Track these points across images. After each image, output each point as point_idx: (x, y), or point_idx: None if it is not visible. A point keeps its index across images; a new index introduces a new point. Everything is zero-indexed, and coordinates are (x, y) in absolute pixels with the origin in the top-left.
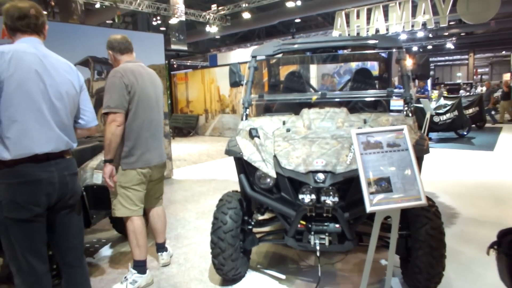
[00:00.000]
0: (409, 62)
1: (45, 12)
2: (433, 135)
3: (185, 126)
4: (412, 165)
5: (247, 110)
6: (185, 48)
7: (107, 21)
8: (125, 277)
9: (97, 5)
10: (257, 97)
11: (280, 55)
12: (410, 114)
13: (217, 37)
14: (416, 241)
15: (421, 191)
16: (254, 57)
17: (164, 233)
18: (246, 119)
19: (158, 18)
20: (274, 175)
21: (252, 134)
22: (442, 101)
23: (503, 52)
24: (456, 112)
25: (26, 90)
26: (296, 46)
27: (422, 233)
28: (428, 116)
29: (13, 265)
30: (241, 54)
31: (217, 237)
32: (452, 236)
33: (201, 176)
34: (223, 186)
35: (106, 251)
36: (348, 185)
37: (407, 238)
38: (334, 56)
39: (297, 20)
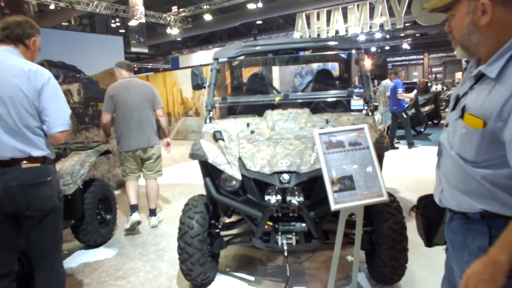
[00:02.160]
0: (367, 63)
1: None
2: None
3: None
4: (373, 163)
5: (211, 112)
6: (145, 50)
7: (63, 23)
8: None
9: (52, 6)
10: (220, 99)
11: (242, 57)
12: (370, 113)
13: (179, 39)
14: (380, 236)
15: (383, 188)
16: (216, 59)
17: (154, 201)
18: (210, 121)
19: (117, 20)
20: (240, 177)
21: (216, 137)
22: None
23: (455, 52)
24: (413, 110)
25: None
26: (257, 48)
27: (385, 228)
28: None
29: None
30: (203, 56)
31: (184, 242)
32: (413, 229)
33: (165, 181)
34: (188, 191)
35: (70, 262)
36: (312, 184)
37: (371, 233)
38: (295, 57)
39: (259, 22)
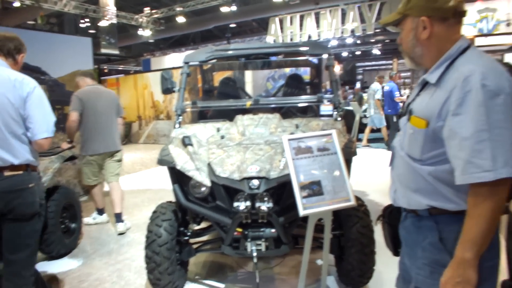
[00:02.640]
0: (337, 68)
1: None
2: (362, 135)
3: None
4: (341, 168)
5: (180, 117)
6: (116, 52)
7: (29, 22)
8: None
9: (17, 4)
10: (190, 104)
11: (213, 61)
12: (339, 118)
13: (151, 41)
14: (348, 239)
15: (350, 193)
16: (186, 63)
17: (119, 204)
18: (179, 126)
19: (87, 20)
20: (209, 184)
21: (185, 142)
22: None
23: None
24: None
25: None
26: (229, 52)
27: (353, 232)
28: (357, 118)
29: None
30: (175, 59)
31: (151, 251)
32: (381, 232)
33: (134, 186)
34: (158, 196)
35: None
36: (282, 190)
37: (340, 237)
38: (267, 62)
39: (232, 25)
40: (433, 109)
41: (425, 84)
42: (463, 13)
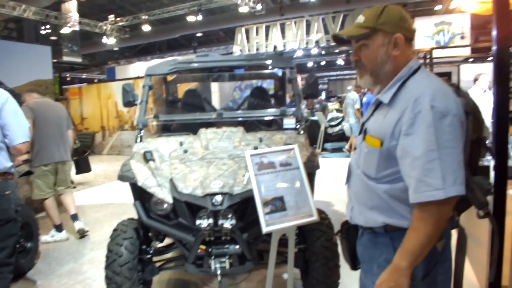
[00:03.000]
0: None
1: None
2: (328, 145)
3: (79, 145)
4: (304, 183)
5: (142, 131)
6: (79, 60)
7: None
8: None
9: None
10: (152, 117)
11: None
12: (302, 132)
13: (116, 49)
14: (313, 254)
15: (313, 208)
16: (148, 75)
17: (73, 206)
18: (141, 141)
19: (48, 26)
20: (170, 201)
21: (147, 157)
22: (335, 114)
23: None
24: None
25: None
26: (192, 65)
27: (317, 246)
28: (322, 128)
29: None
30: (141, 67)
31: (112, 271)
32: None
33: (97, 200)
34: (121, 211)
35: None
36: (246, 205)
37: (305, 251)
38: (231, 75)
39: (199, 34)
40: (386, 129)
41: (378, 104)
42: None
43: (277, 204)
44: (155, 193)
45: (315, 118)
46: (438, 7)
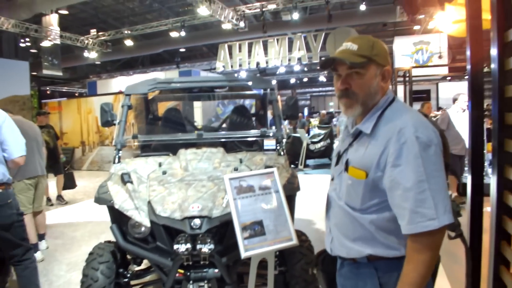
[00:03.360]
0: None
1: None
2: (310, 161)
3: (64, 159)
4: (283, 207)
5: (120, 152)
6: (59, 73)
7: None
8: None
9: None
10: (130, 138)
11: (156, 92)
12: (282, 153)
13: (98, 63)
14: (293, 277)
15: (292, 232)
16: (128, 95)
17: (44, 224)
18: (119, 161)
19: (27, 40)
20: (148, 224)
21: (124, 179)
22: (317, 131)
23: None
24: (328, 140)
25: None
26: (172, 85)
27: (297, 269)
28: (304, 144)
29: None
30: (123, 82)
31: None
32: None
33: (75, 218)
34: (100, 229)
35: None
36: (225, 228)
37: (285, 273)
38: (212, 94)
39: (182, 50)
40: (371, 160)
41: (358, 134)
42: None
43: (256, 229)
44: (132, 216)
45: (297, 134)
46: (416, 27)
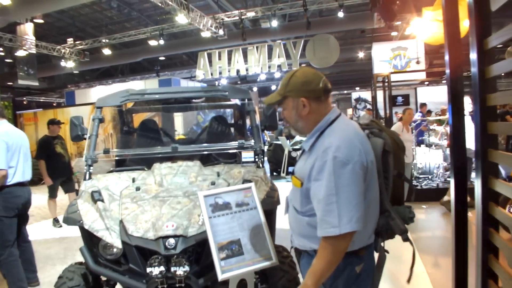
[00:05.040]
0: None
1: None
2: (292, 169)
3: (34, 173)
4: (261, 224)
5: (91, 167)
6: (35, 83)
7: None
8: None
9: None
10: (101, 152)
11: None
12: (261, 165)
13: (76, 72)
14: None
15: (272, 250)
16: (99, 108)
17: None
18: (90, 178)
19: (1, 49)
20: (119, 246)
21: (95, 197)
22: (298, 138)
23: (345, 91)
24: None
25: None
26: (145, 96)
27: (279, 286)
28: (286, 152)
29: None
30: (102, 91)
31: None
32: None
33: (50, 234)
34: (76, 246)
35: None
36: (202, 247)
37: None
38: (188, 106)
39: (162, 58)
40: (305, 172)
41: (303, 151)
42: (330, 90)
43: (234, 248)
44: (103, 237)
45: (278, 142)
46: (394, 34)
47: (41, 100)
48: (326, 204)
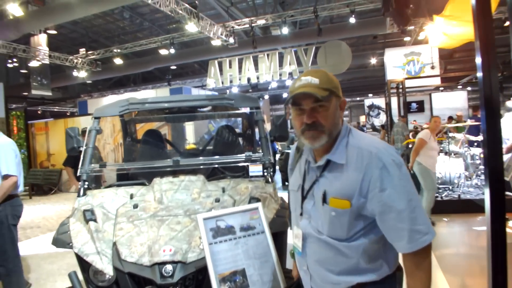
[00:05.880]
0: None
1: None
2: None
3: (45, 182)
4: (270, 251)
5: (86, 183)
6: (49, 93)
7: None
8: None
9: None
10: (98, 167)
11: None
12: (270, 180)
13: (89, 82)
14: None
15: (281, 281)
16: (97, 118)
17: None
18: (84, 194)
19: (14, 60)
20: (111, 272)
21: (87, 217)
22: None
23: (357, 98)
24: None
25: None
26: (146, 105)
27: None
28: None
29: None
30: (114, 100)
31: None
32: None
33: (53, 248)
34: None
35: None
36: (203, 274)
37: None
38: (193, 115)
39: (173, 67)
40: (352, 188)
41: (325, 165)
42: None
43: (237, 280)
44: (93, 263)
45: (290, 151)
46: (407, 39)
47: (55, 109)
48: (410, 211)
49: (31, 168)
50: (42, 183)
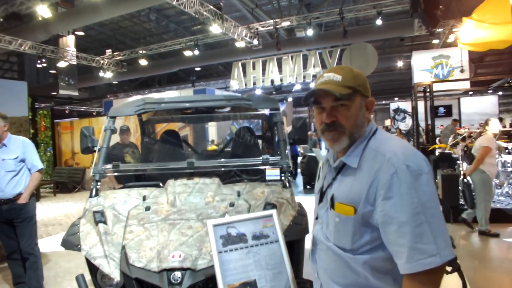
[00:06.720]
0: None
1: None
2: None
3: (69, 180)
4: (284, 262)
5: (98, 183)
6: (75, 93)
7: None
8: None
9: None
10: (111, 167)
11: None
12: (288, 185)
13: (115, 82)
14: None
15: None
16: (112, 117)
17: None
18: (96, 195)
19: (43, 60)
20: (118, 277)
21: (96, 219)
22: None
23: (383, 101)
24: None
25: None
26: (162, 105)
27: None
28: (320, 165)
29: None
30: None
31: None
32: None
33: None
34: None
35: None
36: (213, 283)
37: None
38: (210, 116)
39: (198, 68)
40: (358, 194)
41: (341, 168)
42: None
43: None
44: (100, 266)
45: (312, 154)
46: (435, 41)
47: (82, 109)
48: (414, 226)
49: (56, 166)
50: (67, 181)
